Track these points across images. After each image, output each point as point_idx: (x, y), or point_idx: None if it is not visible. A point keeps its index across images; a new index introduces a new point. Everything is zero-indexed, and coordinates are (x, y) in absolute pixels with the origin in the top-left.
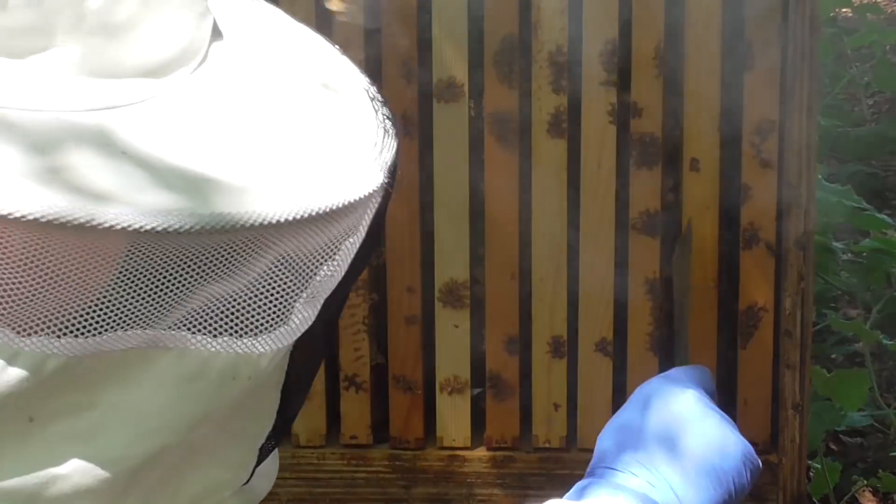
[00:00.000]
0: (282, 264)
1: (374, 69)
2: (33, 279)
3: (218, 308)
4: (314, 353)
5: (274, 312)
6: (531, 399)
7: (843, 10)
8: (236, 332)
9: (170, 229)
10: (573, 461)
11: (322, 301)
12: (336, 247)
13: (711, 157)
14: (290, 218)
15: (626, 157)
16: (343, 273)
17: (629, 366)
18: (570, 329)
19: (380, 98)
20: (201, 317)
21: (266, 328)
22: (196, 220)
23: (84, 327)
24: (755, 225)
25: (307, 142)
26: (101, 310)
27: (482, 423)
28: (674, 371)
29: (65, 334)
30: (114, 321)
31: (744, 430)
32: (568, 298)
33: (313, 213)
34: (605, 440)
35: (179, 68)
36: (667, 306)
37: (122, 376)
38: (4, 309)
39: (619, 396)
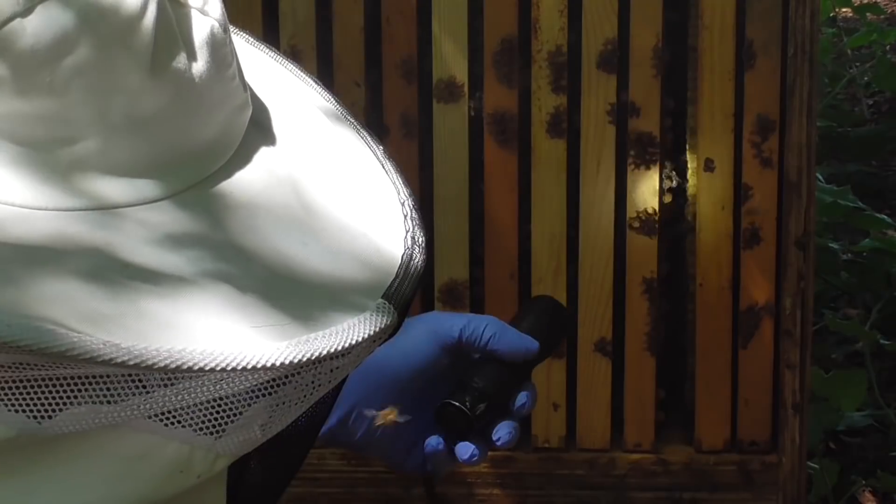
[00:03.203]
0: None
1: (374, 69)
2: None
3: (179, 401)
4: (285, 461)
5: (241, 417)
6: None
7: (843, 10)
8: (197, 427)
9: (112, 362)
10: (573, 461)
11: (295, 415)
12: (325, 373)
13: (726, 157)
14: (268, 365)
15: (625, 156)
16: (324, 392)
17: (628, 366)
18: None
19: (414, 213)
20: (160, 404)
21: (229, 430)
22: (134, 356)
23: (36, 407)
24: (755, 224)
25: (316, 268)
26: (53, 389)
27: None
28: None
29: (17, 411)
30: (65, 399)
31: (744, 430)
32: (567, 298)
33: (301, 361)
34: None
35: (206, 164)
36: (662, 306)
37: (61, 445)
38: None
39: (618, 396)
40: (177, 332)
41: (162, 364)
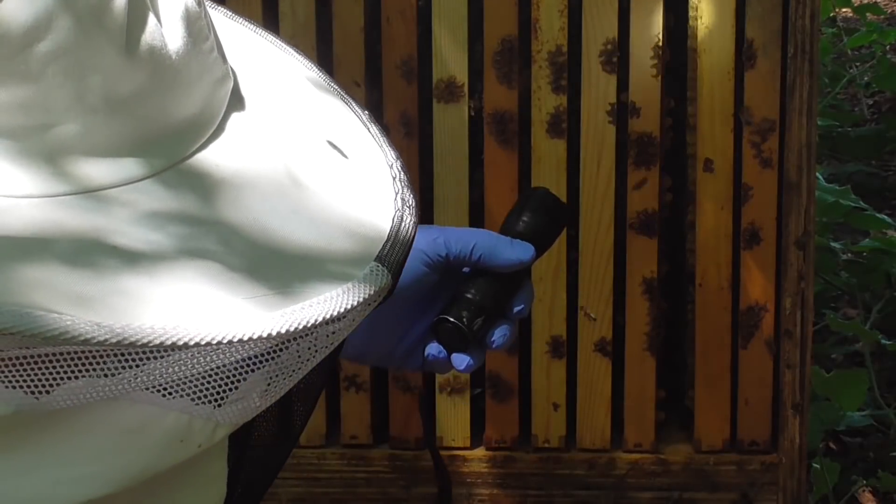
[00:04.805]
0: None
1: (374, 69)
2: None
3: (175, 372)
4: (286, 427)
5: (240, 385)
6: (531, 399)
7: (843, 10)
8: (196, 396)
9: (91, 342)
10: (573, 461)
11: (293, 382)
12: (322, 337)
13: (726, 157)
14: (264, 335)
15: (625, 156)
16: (321, 360)
17: (628, 366)
18: (570, 329)
19: (402, 175)
20: (156, 376)
21: (228, 399)
22: (117, 335)
23: (34, 383)
24: (755, 224)
25: (306, 236)
26: (50, 364)
27: (482, 423)
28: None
29: (15, 387)
30: (62, 374)
31: (744, 430)
32: (567, 298)
33: (297, 329)
34: None
35: (188, 141)
36: (662, 306)
37: (59, 420)
38: None
39: (618, 396)
40: (166, 308)
41: (157, 342)
